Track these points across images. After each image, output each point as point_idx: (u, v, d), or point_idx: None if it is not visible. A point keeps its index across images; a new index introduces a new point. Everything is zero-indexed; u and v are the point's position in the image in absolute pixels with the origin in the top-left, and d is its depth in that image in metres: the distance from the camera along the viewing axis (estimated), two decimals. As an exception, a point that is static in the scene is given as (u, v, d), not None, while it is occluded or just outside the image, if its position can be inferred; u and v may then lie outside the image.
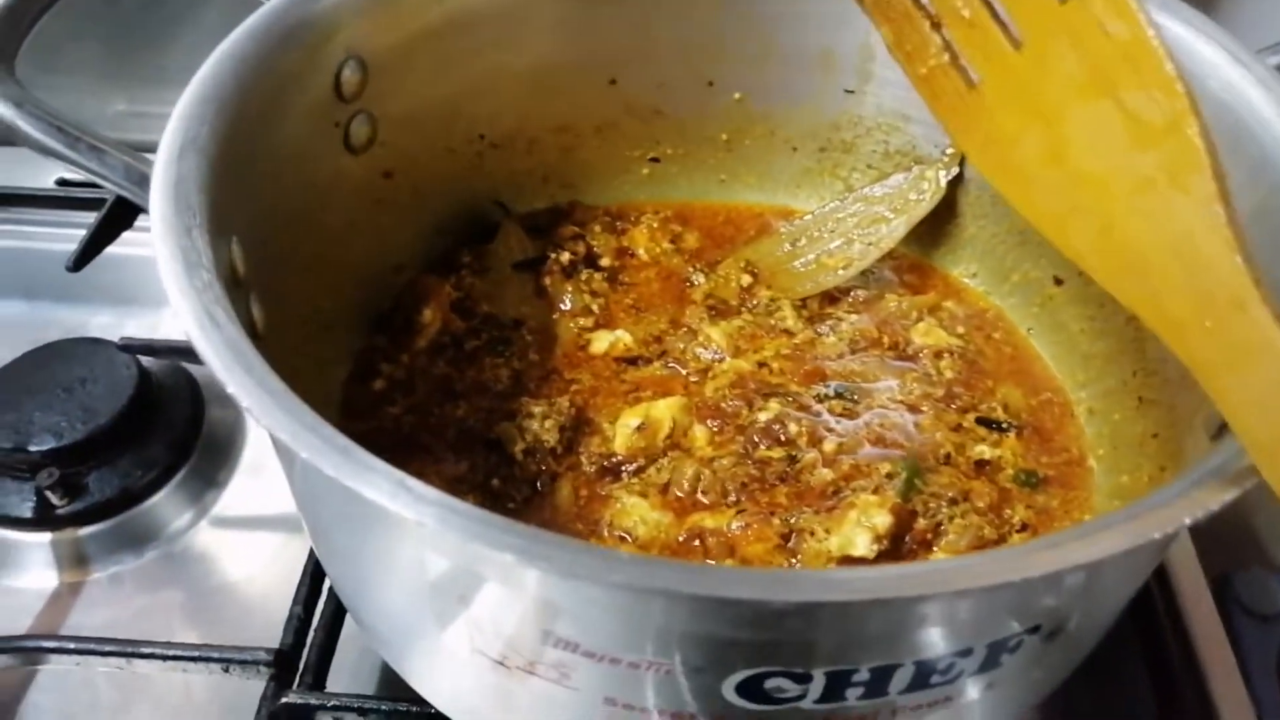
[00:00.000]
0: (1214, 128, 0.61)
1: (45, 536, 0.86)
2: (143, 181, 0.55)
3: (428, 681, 0.59)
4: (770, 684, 0.43)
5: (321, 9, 0.67)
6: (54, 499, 0.85)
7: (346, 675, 0.74)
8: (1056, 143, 0.53)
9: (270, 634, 0.74)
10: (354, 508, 0.40)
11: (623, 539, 0.67)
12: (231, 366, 0.43)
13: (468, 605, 0.46)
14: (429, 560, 0.45)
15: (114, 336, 0.95)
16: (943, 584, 0.36)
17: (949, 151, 0.83)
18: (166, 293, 0.47)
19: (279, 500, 0.90)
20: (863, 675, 0.42)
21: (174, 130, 0.56)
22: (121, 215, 0.68)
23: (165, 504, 0.91)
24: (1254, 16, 0.97)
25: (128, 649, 0.69)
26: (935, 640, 0.42)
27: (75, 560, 0.87)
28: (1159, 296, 0.49)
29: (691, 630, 0.40)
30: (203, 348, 0.44)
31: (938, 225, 0.86)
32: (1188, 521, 0.38)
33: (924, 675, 0.43)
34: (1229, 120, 0.61)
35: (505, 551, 0.37)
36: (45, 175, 1.13)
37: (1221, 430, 0.55)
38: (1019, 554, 0.37)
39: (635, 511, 0.68)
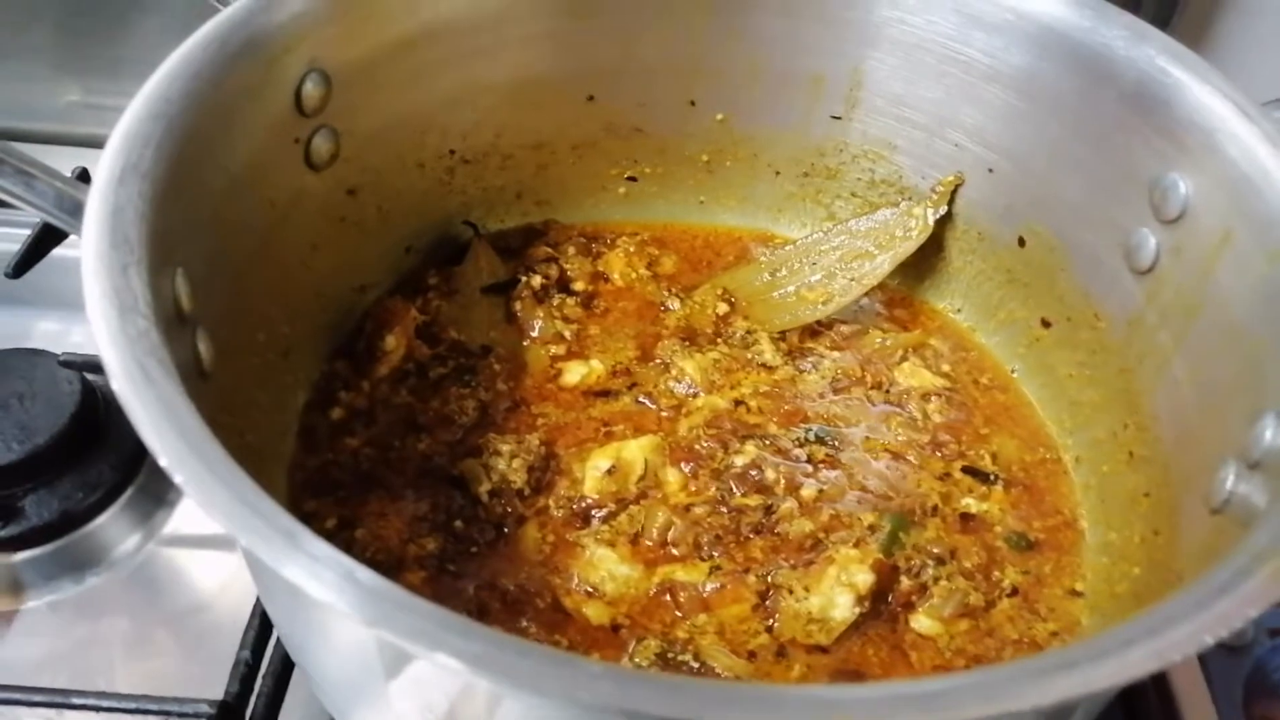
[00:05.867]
0: (1220, 184, 0.60)
1: (-24, 562, 0.81)
2: (76, 210, 0.51)
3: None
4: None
5: (282, 19, 0.62)
6: (-14, 524, 0.80)
7: (297, 726, 0.70)
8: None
9: (221, 669, 0.70)
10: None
11: (590, 594, 0.64)
12: (164, 433, 0.39)
13: (421, 688, 0.43)
14: (381, 643, 0.41)
15: (59, 344, 0.90)
16: (946, 711, 0.33)
17: (938, 189, 0.80)
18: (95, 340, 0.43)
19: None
20: (847, 782, 0.39)
21: (114, 152, 0.51)
22: (52, 236, 0.63)
23: (109, 526, 0.86)
24: (1261, 66, 0.95)
25: (58, 699, 0.65)
26: (927, 749, 0.39)
27: (9, 587, 0.82)
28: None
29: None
30: (133, 408, 0.40)
31: (923, 259, 0.84)
32: (1210, 641, 0.35)
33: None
34: (1235, 176, 0.58)
35: (460, 660, 0.33)
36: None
37: (1224, 505, 0.53)
38: (1031, 673, 0.34)
39: (603, 565, 0.64)
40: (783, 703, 0.33)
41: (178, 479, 0.38)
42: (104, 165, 0.50)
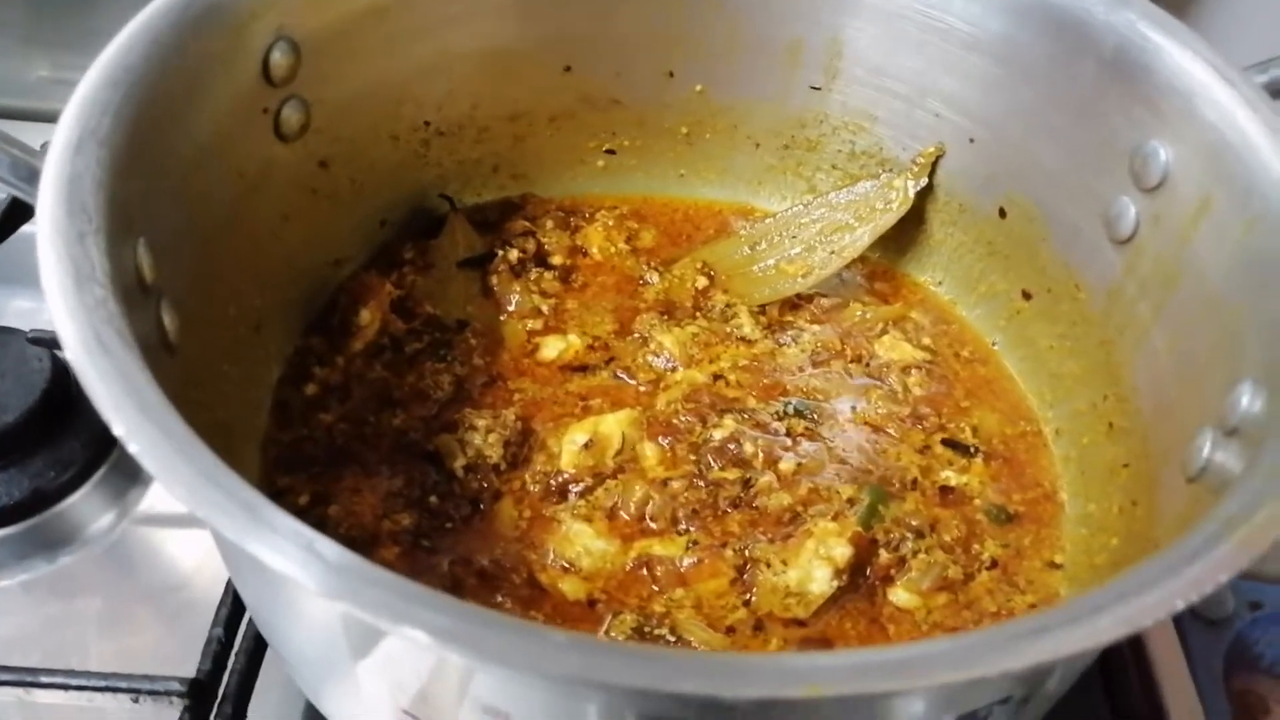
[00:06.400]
0: (1198, 150, 0.59)
1: (-54, 542, 0.80)
2: (33, 177, 0.49)
3: (352, 726, 0.55)
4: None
5: (247, -16, 0.61)
6: (-45, 503, 0.79)
7: (272, 705, 0.70)
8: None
9: (196, 647, 0.69)
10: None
11: (566, 569, 0.63)
12: (121, 404, 0.38)
13: (390, 665, 0.42)
14: (347, 619, 0.41)
15: (31, 322, 0.88)
16: (916, 678, 0.32)
17: (919, 160, 0.79)
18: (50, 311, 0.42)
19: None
20: (821, 753, 0.39)
21: (71, 119, 0.50)
22: (21, 212, 0.62)
23: (83, 505, 0.85)
24: (1240, 31, 0.94)
25: (26, 678, 0.64)
26: (901, 717, 0.39)
27: (-19, 567, 0.81)
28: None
29: (640, 709, 0.37)
30: (88, 378, 0.39)
31: (904, 231, 0.83)
32: (1181, 605, 0.35)
33: (886, 750, 0.40)
34: (1214, 141, 0.58)
35: (425, 632, 0.32)
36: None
37: (1201, 473, 0.53)
38: (1002, 639, 0.34)
39: (579, 540, 0.64)
40: (749, 672, 0.32)
41: (132, 448, 0.37)
42: (60, 132, 0.49)
